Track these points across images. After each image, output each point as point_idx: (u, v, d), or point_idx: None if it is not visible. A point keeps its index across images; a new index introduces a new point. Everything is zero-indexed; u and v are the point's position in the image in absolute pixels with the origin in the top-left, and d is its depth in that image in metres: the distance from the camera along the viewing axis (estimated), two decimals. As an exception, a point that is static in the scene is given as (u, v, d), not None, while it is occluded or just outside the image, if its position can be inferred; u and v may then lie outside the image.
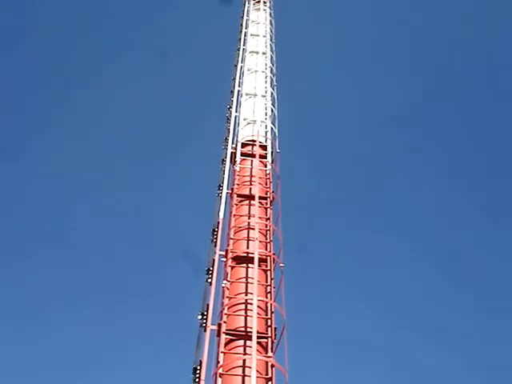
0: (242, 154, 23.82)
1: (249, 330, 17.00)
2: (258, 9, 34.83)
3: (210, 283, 18.36)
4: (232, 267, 19.14)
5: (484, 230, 61.81)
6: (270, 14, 34.89)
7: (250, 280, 18.59)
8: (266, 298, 18.44)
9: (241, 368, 16.34)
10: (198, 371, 16.34)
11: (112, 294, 56.79)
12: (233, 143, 24.35)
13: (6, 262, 56.07)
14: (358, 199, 61.81)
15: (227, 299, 18.06)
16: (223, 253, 19.51)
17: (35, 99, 64.98)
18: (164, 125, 65.20)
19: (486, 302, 55.75)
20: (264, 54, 30.79)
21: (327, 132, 64.59)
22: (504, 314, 53.15)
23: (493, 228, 61.23)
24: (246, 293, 18.31)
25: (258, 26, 33.14)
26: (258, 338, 16.46)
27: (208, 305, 17.64)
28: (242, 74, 28.92)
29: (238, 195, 21.91)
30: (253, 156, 23.61)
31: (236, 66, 29.72)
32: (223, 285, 18.44)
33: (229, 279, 18.68)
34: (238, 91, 27.65)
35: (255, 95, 27.42)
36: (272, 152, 24.27)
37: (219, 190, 22.15)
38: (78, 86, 65.01)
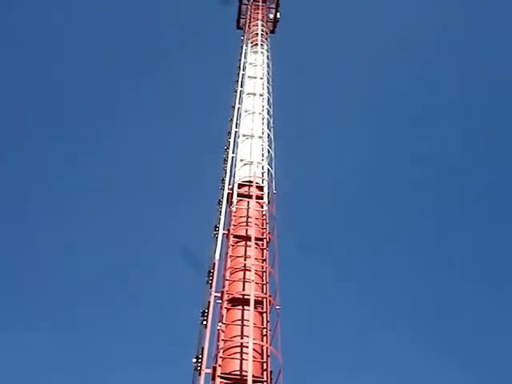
0: (239, 195, 23.83)
1: (244, 373, 16.78)
2: (256, 51, 35.36)
3: (205, 325, 18.15)
4: (228, 309, 18.96)
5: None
6: (267, 56, 35.43)
7: (245, 322, 18.39)
8: (262, 341, 18.25)
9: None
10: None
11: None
12: (229, 184, 24.39)
13: None
14: (353, 237, 61.94)
15: (222, 342, 17.84)
16: (219, 294, 19.34)
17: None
18: (161, 169, 65.47)
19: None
20: (261, 95, 31.12)
21: (323, 174, 65.04)
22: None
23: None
24: (242, 336, 18.10)
25: (256, 68, 33.58)
26: (254, 382, 16.20)
27: (203, 348, 17.40)
28: (239, 115, 29.19)
29: (235, 236, 21.83)
30: (249, 197, 23.63)
31: (233, 107, 30.00)
32: (218, 327, 18.23)
33: (224, 321, 18.48)
34: (236, 132, 27.84)
35: (252, 136, 27.61)
36: (268, 193, 24.34)
37: (215, 230, 22.05)
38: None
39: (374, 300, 58.49)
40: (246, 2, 43.10)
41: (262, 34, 37.06)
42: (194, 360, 17.31)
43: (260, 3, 41.99)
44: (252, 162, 25.74)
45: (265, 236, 22.13)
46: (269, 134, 28.09)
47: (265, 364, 17.66)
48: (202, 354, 17.26)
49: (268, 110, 29.96)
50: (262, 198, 23.95)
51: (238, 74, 33.10)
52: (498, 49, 68.46)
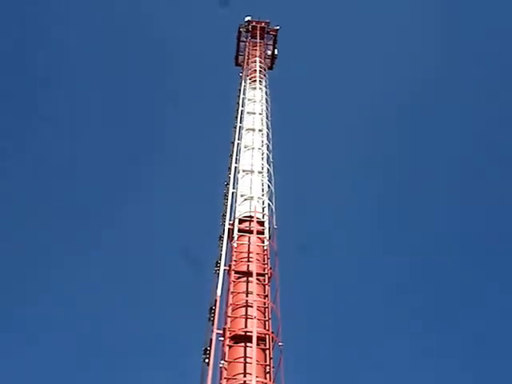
0: (240, 231, 23.74)
1: (248, 412, 16.49)
2: (254, 87, 35.71)
3: (208, 363, 17.92)
4: (230, 346, 18.74)
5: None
6: (266, 92, 35.77)
7: (248, 360, 18.16)
8: (265, 378, 18.00)
9: None
10: None
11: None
12: (230, 219, 24.33)
13: None
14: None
15: (225, 380, 17.59)
16: (221, 331, 19.14)
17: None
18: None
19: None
20: (260, 131, 31.30)
21: (323, 209, 65.08)
22: None
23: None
24: (245, 373, 17.85)
25: (255, 104, 33.87)
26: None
27: (206, 386, 17.15)
28: (238, 150, 29.31)
29: (236, 272, 21.68)
30: (250, 232, 23.53)
31: (233, 142, 30.15)
32: (221, 365, 18.00)
33: (227, 359, 18.25)
34: (235, 168, 27.90)
35: (252, 172, 27.66)
36: (269, 228, 24.25)
37: (216, 266, 21.90)
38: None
39: (381, 339, 57.83)
40: (244, 40, 43.76)
41: (260, 71, 37.47)
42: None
43: (258, 40, 42.59)
44: (252, 197, 25.74)
45: (266, 271, 21.99)
46: (268, 169, 28.17)
47: (268, 402, 17.41)
48: (205, 393, 17.00)
49: (267, 145, 30.10)
50: (262, 233, 23.86)
51: (237, 109, 33.38)
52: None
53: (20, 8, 71.38)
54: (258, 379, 17.17)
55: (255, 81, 36.29)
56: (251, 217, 24.30)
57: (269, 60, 43.05)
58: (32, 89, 71.99)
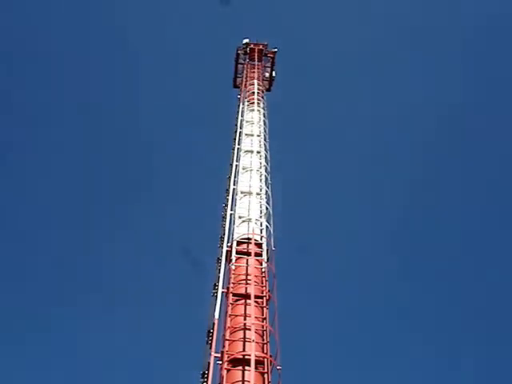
0: (238, 252, 23.68)
1: None
2: (253, 109, 35.85)
3: (206, 387, 17.76)
4: (228, 370, 18.57)
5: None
6: (264, 114, 35.90)
7: (246, 383, 18.02)
8: (264, 402, 17.82)
9: None
10: None
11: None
12: (228, 241, 24.26)
13: None
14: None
15: (223, 404, 17.42)
16: (219, 355, 18.99)
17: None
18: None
19: None
20: (258, 152, 31.37)
21: (318, 223, 65.04)
22: None
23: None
24: (243, 397, 17.68)
25: (253, 125, 33.98)
26: None
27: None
28: (237, 172, 29.31)
29: (234, 294, 21.57)
30: (248, 254, 23.46)
31: (231, 164, 30.16)
32: (219, 389, 17.85)
33: (225, 383, 18.08)
34: (234, 189, 27.90)
35: (250, 193, 27.66)
36: (267, 250, 24.17)
37: (214, 289, 21.78)
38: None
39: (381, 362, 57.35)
40: (242, 62, 44.03)
41: (258, 93, 37.66)
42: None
43: (256, 62, 42.86)
44: (250, 219, 25.70)
45: (264, 294, 21.88)
46: (266, 191, 28.17)
47: (267, 427, 17.22)
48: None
49: (265, 167, 30.14)
50: (260, 255, 23.78)
51: (236, 131, 33.48)
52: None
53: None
54: (256, 403, 17.00)
55: (253, 103, 36.45)
56: (249, 239, 24.24)
57: (267, 82, 43.30)
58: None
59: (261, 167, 30.03)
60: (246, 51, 44.22)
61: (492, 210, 68.24)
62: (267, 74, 43.87)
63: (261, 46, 44.48)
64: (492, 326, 60.60)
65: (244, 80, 41.02)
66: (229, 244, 24.12)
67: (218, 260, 23.35)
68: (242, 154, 31.08)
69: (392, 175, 70.42)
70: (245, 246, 24.09)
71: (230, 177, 29.09)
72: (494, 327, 60.60)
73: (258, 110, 35.90)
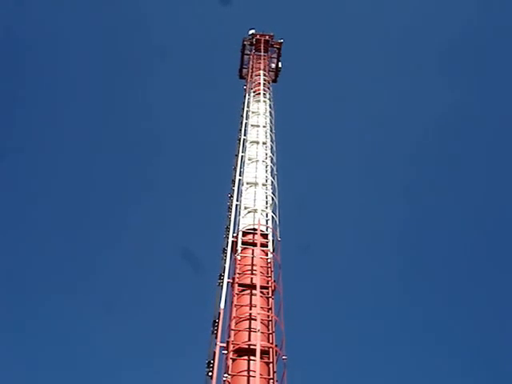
0: (243, 243, 23.68)
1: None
2: (258, 100, 35.77)
3: (211, 377, 17.79)
4: (233, 360, 18.62)
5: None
6: (270, 105, 35.80)
7: (252, 373, 18.04)
8: (269, 392, 17.86)
9: None
10: None
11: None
12: (234, 232, 24.26)
13: None
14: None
15: (228, 394, 17.47)
16: (224, 344, 19.02)
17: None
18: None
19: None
20: (264, 143, 31.31)
21: (325, 214, 64.97)
22: None
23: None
24: (248, 387, 17.72)
25: (259, 116, 33.90)
26: None
27: (209, 400, 17.05)
28: (242, 163, 29.26)
29: (239, 284, 21.61)
30: (254, 245, 23.46)
31: (237, 155, 30.11)
32: (224, 378, 17.90)
33: (230, 372, 18.14)
34: (239, 180, 27.86)
35: (256, 184, 27.63)
36: (273, 241, 24.15)
37: (220, 279, 21.81)
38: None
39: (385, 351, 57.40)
40: (248, 53, 43.90)
41: (264, 84, 37.55)
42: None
43: (262, 53, 42.71)
44: (256, 210, 25.68)
45: (270, 284, 21.88)
46: (272, 182, 28.14)
47: (272, 416, 17.26)
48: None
49: (271, 158, 30.10)
50: (266, 246, 23.77)
51: (241, 122, 33.40)
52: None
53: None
54: (261, 393, 17.03)
55: (259, 94, 36.36)
56: (255, 229, 24.23)
57: (273, 73, 43.16)
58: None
59: (266, 158, 29.98)
60: (252, 42, 44.08)
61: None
62: (273, 65, 43.75)
63: (267, 37, 44.31)
64: (493, 326, 60.46)
65: (250, 71, 40.90)
66: (234, 234, 24.12)
67: (224, 250, 23.35)
68: (247, 144, 31.03)
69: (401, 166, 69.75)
70: (250, 236, 24.09)
71: (235, 168, 29.07)
72: (495, 327, 60.47)
73: (264, 101, 35.81)
